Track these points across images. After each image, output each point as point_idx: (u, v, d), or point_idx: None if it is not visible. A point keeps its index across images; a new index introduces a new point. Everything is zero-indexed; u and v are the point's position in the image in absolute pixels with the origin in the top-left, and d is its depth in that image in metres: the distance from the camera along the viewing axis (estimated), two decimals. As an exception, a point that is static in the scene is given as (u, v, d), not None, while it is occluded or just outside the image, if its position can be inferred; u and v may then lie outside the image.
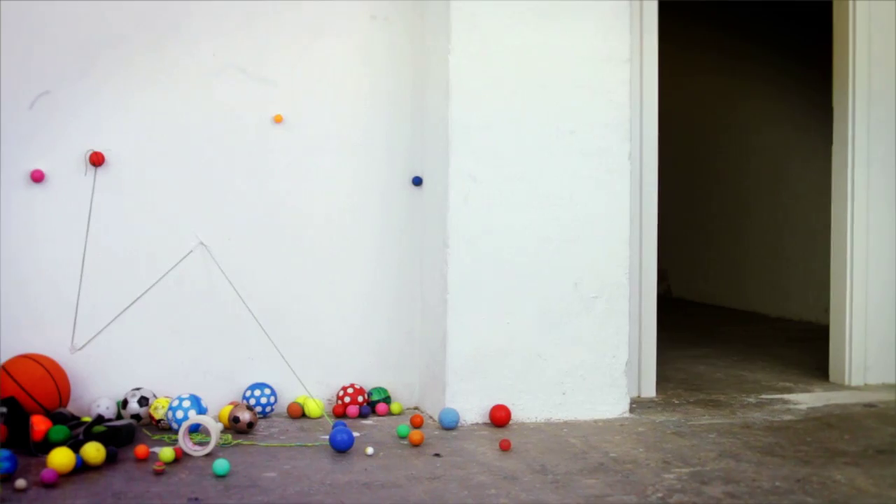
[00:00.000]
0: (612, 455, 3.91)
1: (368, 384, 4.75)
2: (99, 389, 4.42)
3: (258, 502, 3.26)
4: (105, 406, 4.31)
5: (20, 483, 3.36)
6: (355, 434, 4.11)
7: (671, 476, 3.61)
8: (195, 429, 4.05)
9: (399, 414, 4.66)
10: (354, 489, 3.42)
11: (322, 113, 4.68)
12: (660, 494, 3.38)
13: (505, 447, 3.97)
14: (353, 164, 4.73)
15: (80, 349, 4.41)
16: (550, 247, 4.50)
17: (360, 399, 4.61)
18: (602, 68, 4.53)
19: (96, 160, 4.37)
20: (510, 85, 4.44)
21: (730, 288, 9.48)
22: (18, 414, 3.95)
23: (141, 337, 4.49)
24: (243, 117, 4.58)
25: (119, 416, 4.34)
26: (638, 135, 4.91)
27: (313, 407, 4.54)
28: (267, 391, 4.52)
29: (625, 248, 4.59)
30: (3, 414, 3.96)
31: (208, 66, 4.54)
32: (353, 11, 4.69)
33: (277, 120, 4.59)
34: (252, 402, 4.49)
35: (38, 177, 4.32)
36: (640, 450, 4.00)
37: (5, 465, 3.44)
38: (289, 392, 4.64)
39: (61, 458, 3.52)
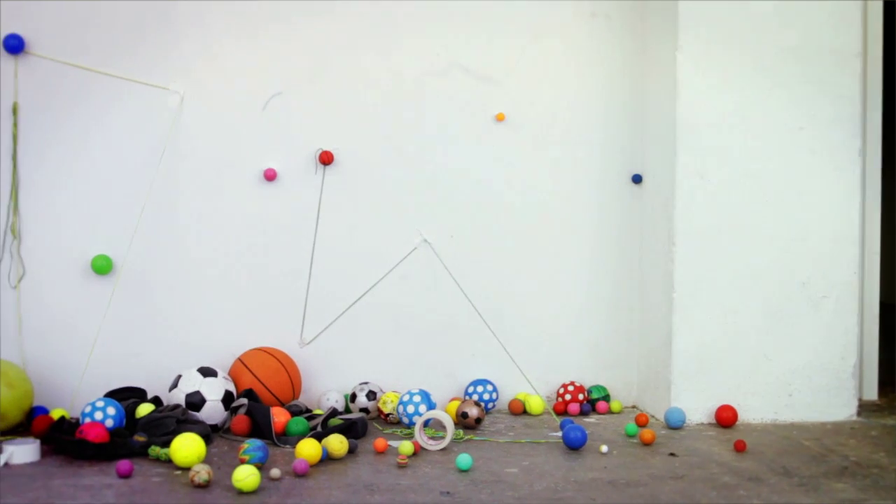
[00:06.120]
0: (852, 459, 3.82)
1: (586, 382, 4.74)
2: (326, 383, 4.54)
3: (509, 497, 3.30)
4: (335, 399, 4.42)
5: (275, 472, 3.46)
6: (584, 432, 4.12)
7: (923, 482, 3.52)
8: (426, 423, 4.12)
9: (619, 412, 4.65)
10: (601, 486, 3.42)
11: (542, 111, 4.69)
12: (918, 500, 3.29)
13: (740, 448, 3.92)
14: (571, 163, 4.73)
15: (308, 343, 4.53)
16: (777, 245, 4.42)
17: (581, 397, 4.61)
18: (832, 63, 4.42)
19: (325, 159, 4.48)
20: (738, 82, 4.38)
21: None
22: (259, 406, 4.07)
23: (366, 332, 4.59)
24: (466, 116, 4.63)
25: (347, 410, 4.45)
26: (861, 131, 4.77)
27: (535, 404, 4.56)
28: (489, 387, 4.56)
29: (854, 247, 4.48)
30: (243, 405, 4.10)
31: (432, 66, 4.60)
32: (573, 10, 4.69)
33: (500, 118, 4.62)
34: (475, 397, 4.54)
35: (270, 175, 4.45)
36: (881, 454, 3.89)
37: (259, 454, 3.55)
38: (508, 388, 4.67)
39: (310, 449, 3.62)
